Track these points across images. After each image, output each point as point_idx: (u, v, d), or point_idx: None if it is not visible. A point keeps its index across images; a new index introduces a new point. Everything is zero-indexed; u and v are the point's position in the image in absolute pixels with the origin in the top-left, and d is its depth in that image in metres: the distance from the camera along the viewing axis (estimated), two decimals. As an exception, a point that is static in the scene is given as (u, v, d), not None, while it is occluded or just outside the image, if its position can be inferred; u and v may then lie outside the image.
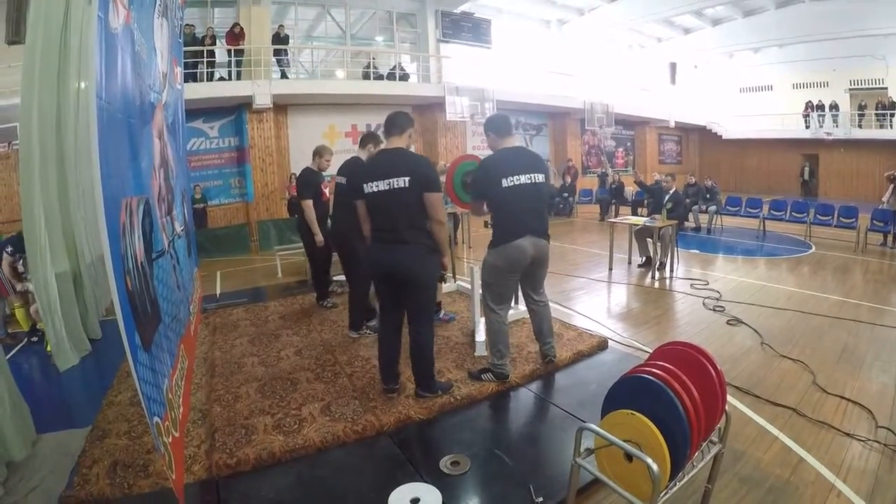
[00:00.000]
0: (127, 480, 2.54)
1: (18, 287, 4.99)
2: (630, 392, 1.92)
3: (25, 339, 4.99)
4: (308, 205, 5.01)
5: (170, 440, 2.24)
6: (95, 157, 1.80)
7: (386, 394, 3.34)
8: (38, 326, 4.90)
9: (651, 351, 2.85)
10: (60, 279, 4.50)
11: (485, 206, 3.54)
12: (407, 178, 2.97)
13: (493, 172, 3.34)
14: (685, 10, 15.44)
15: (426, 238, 3.06)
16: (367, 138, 4.47)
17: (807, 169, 19.84)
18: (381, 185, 3.00)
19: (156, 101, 3.35)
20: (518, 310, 4.70)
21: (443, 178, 4.46)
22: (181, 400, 2.92)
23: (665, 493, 1.82)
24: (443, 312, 4.87)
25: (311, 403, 3.28)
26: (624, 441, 1.79)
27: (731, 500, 2.38)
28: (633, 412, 1.81)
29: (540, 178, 3.41)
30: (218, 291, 6.85)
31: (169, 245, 3.43)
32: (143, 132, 2.86)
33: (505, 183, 3.29)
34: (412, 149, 3.28)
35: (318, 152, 5.24)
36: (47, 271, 4.40)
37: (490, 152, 3.55)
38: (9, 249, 4.91)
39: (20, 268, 4.92)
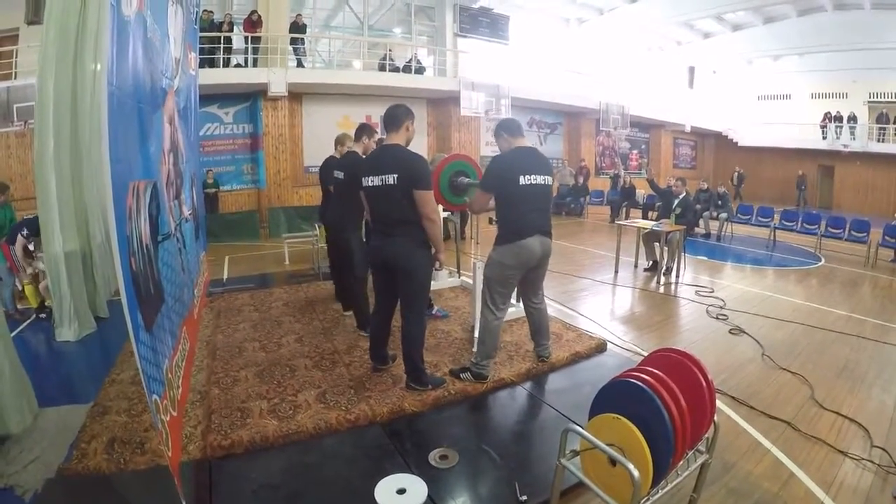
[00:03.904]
0: (123, 456, 2.61)
1: (28, 270, 5.10)
2: (617, 396, 1.93)
3: (34, 316, 5.08)
4: None
5: (168, 419, 2.29)
6: (105, 140, 1.84)
7: (373, 371, 3.61)
8: (46, 303, 4.99)
9: (647, 356, 2.87)
10: (69, 257, 4.59)
11: (490, 202, 3.54)
12: (395, 176, 3.08)
13: (512, 169, 3.36)
14: (705, 15, 15.26)
15: (417, 232, 3.14)
16: (361, 130, 4.47)
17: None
18: (375, 181, 3.16)
19: (167, 86, 3.39)
20: (518, 307, 4.71)
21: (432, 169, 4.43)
22: (181, 380, 2.97)
23: (647, 500, 1.84)
24: (435, 309, 4.90)
25: (307, 390, 3.33)
26: (608, 445, 1.80)
27: (716, 512, 2.36)
28: (618, 416, 1.82)
29: (549, 179, 3.51)
30: (225, 276, 6.94)
31: (176, 228, 3.49)
32: (153, 117, 2.90)
33: (523, 181, 3.33)
34: (412, 140, 3.33)
35: (340, 140, 5.19)
36: (58, 247, 4.49)
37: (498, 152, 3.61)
38: (24, 232, 5.00)
39: (31, 247, 5.01)
